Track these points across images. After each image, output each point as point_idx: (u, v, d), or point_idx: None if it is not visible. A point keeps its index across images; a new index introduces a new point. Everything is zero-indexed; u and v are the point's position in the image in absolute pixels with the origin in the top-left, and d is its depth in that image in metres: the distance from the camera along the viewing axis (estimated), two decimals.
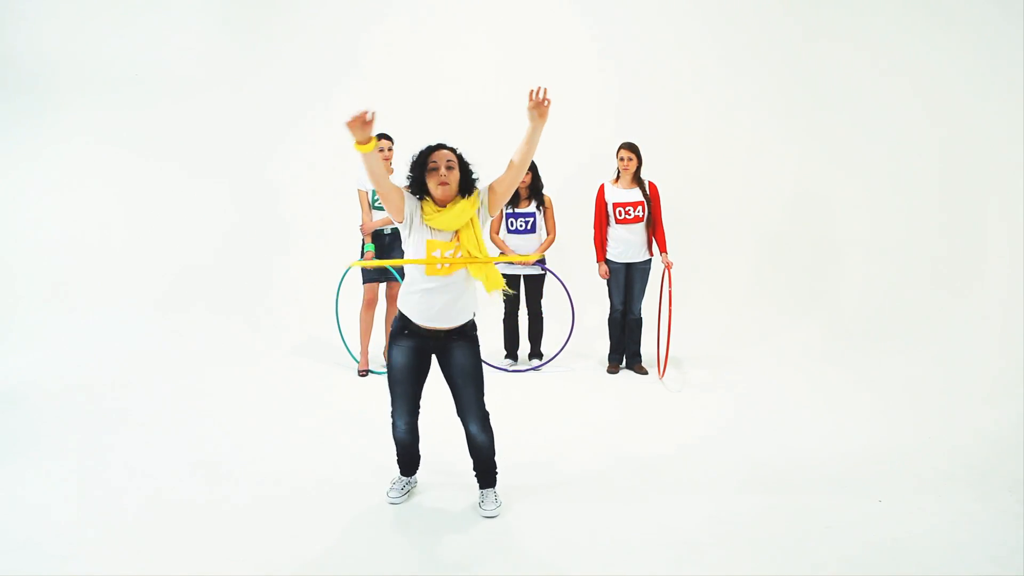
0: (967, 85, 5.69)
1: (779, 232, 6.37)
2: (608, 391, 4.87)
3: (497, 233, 5.36)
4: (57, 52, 6.53)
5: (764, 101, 6.43)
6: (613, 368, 5.27)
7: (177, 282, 6.53)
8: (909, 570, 2.60)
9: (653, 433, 4.03)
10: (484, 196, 2.90)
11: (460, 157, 2.88)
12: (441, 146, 2.87)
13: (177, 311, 6.32)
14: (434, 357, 2.97)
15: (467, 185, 2.87)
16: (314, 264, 6.59)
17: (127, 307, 6.26)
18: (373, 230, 5.11)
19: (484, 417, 2.98)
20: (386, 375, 3.03)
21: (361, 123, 2.61)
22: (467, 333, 2.94)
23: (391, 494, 3.14)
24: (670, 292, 4.92)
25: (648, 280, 5.21)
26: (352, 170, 5.48)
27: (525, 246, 5.27)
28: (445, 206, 2.82)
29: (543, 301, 5.43)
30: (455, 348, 2.90)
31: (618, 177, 5.15)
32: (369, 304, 5.18)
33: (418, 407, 3.05)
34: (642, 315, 5.23)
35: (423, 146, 2.89)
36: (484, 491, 3.09)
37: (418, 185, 2.87)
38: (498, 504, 3.05)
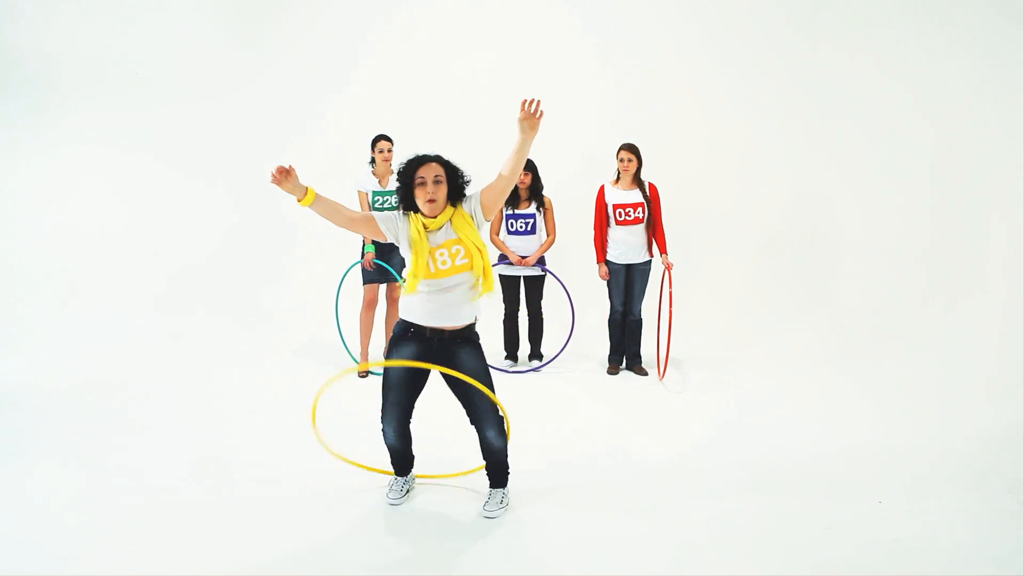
0: (966, 87, 5.69)
1: (779, 233, 6.37)
2: (608, 392, 4.87)
3: (497, 234, 5.37)
4: (58, 53, 6.54)
5: (764, 103, 6.43)
6: (613, 369, 5.27)
7: (177, 283, 6.53)
8: (909, 570, 2.60)
9: (653, 434, 4.03)
10: (475, 204, 2.87)
11: (448, 166, 2.84)
12: (426, 158, 2.81)
13: (177, 312, 6.32)
14: (436, 371, 2.93)
15: (456, 193, 2.85)
16: (314, 265, 6.59)
17: (128, 308, 6.27)
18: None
19: (499, 421, 2.96)
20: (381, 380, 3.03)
21: (284, 177, 2.67)
22: (470, 339, 2.93)
23: (391, 495, 3.14)
24: (670, 293, 4.92)
25: (648, 281, 5.21)
26: (352, 172, 5.49)
27: (525, 247, 5.28)
28: (435, 217, 2.80)
29: (543, 302, 5.43)
30: (460, 354, 2.89)
31: (618, 178, 5.15)
32: (369, 305, 5.19)
33: (409, 415, 3.03)
34: (642, 316, 5.23)
35: (410, 156, 2.86)
36: (492, 491, 3.09)
37: (407, 200, 2.85)
38: (501, 506, 3.04)
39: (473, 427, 3.00)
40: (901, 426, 4.07)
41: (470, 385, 2.86)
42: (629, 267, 5.14)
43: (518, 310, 5.45)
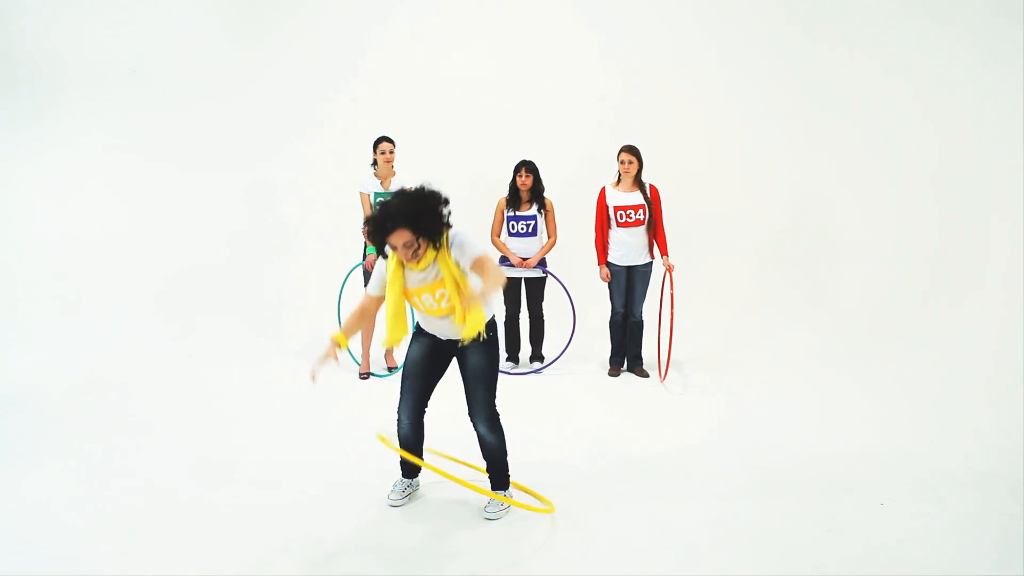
0: (967, 88, 5.70)
1: (780, 235, 6.37)
2: (609, 394, 4.87)
3: (498, 236, 5.37)
4: (58, 54, 6.55)
5: (765, 104, 6.43)
6: (614, 371, 5.27)
7: (179, 284, 6.53)
8: (910, 571, 2.60)
9: (654, 436, 4.03)
10: (464, 259, 2.76)
11: (416, 224, 2.62)
12: (391, 226, 2.61)
13: (178, 313, 6.32)
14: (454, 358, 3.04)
15: (437, 231, 2.71)
16: (316, 266, 6.60)
17: (130, 309, 6.27)
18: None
19: (493, 418, 2.99)
20: (400, 374, 3.09)
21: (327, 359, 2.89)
22: (483, 333, 2.90)
23: (392, 496, 3.14)
24: (671, 295, 4.92)
25: (649, 283, 5.21)
26: (354, 173, 5.50)
27: (526, 249, 5.28)
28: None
29: (544, 304, 5.43)
30: (472, 349, 2.94)
31: (619, 180, 5.16)
32: None
33: (425, 404, 3.08)
34: (643, 318, 5.23)
35: (375, 215, 2.67)
36: (494, 492, 3.10)
37: (383, 250, 2.80)
38: (503, 508, 3.05)
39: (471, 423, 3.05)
40: (902, 427, 4.07)
41: (468, 372, 2.97)
42: (630, 269, 5.14)
43: (519, 312, 5.46)
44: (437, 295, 2.82)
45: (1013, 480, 3.33)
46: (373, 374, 5.20)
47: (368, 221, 2.75)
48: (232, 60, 6.86)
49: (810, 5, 6.29)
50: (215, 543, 2.82)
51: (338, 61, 6.88)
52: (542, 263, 5.32)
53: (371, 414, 4.29)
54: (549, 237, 5.35)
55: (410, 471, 3.20)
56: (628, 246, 5.10)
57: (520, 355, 5.53)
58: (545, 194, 5.35)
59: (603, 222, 5.15)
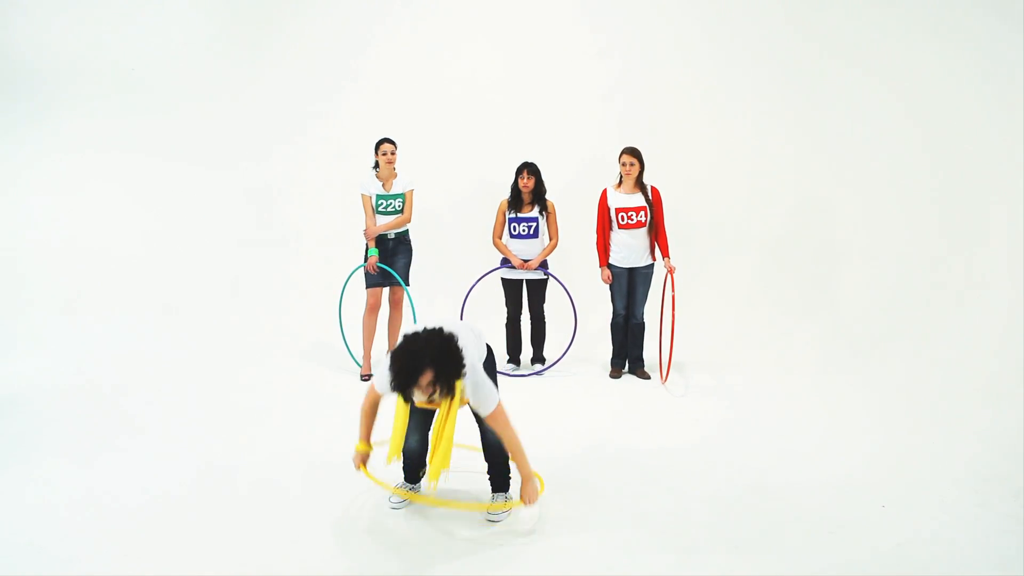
0: (968, 91, 5.69)
1: (781, 236, 6.37)
2: (610, 396, 4.87)
3: (500, 238, 5.38)
4: (58, 56, 6.57)
5: (766, 106, 6.44)
6: (615, 373, 5.27)
7: (180, 286, 6.55)
8: (912, 574, 2.59)
9: (655, 437, 4.03)
10: (481, 409, 2.79)
11: (439, 366, 2.53)
12: (415, 373, 2.51)
13: (180, 315, 6.34)
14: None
15: (451, 386, 2.62)
16: (318, 268, 6.61)
17: (131, 311, 6.28)
18: (377, 235, 5.12)
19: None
20: None
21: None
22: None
23: (393, 499, 3.14)
24: (673, 297, 4.92)
25: (651, 285, 5.21)
26: (355, 175, 5.51)
27: (528, 251, 5.28)
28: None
29: (546, 306, 5.44)
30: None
31: (620, 182, 5.16)
32: (372, 308, 5.19)
33: (431, 419, 3.00)
34: (644, 320, 5.23)
35: (403, 360, 2.54)
36: (495, 495, 3.10)
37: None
38: (505, 511, 3.05)
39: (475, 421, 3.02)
40: (904, 430, 4.07)
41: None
42: (631, 271, 5.14)
43: (520, 314, 5.46)
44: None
45: (1015, 482, 3.33)
46: (375, 376, 5.19)
47: (394, 378, 2.58)
48: (233, 61, 6.88)
49: (813, 11, 6.29)
50: (215, 546, 2.82)
51: (340, 62, 6.90)
52: (543, 265, 5.32)
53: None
54: (551, 239, 5.35)
55: (411, 477, 3.21)
56: (629, 248, 5.10)
57: (521, 357, 5.53)
58: (547, 196, 5.35)
59: (604, 224, 5.16)
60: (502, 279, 5.38)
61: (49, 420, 4.29)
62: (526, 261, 5.25)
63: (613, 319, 5.26)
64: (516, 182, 5.28)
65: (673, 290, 4.94)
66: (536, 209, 5.29)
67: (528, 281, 5.36)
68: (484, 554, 2.76)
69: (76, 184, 6.59)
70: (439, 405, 2.78)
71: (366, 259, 5.14)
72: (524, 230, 5.28)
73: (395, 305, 5.36)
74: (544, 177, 5.34)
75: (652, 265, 5.18)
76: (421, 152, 6.11)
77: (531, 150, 5.73)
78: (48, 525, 2.98)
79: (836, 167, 6.23)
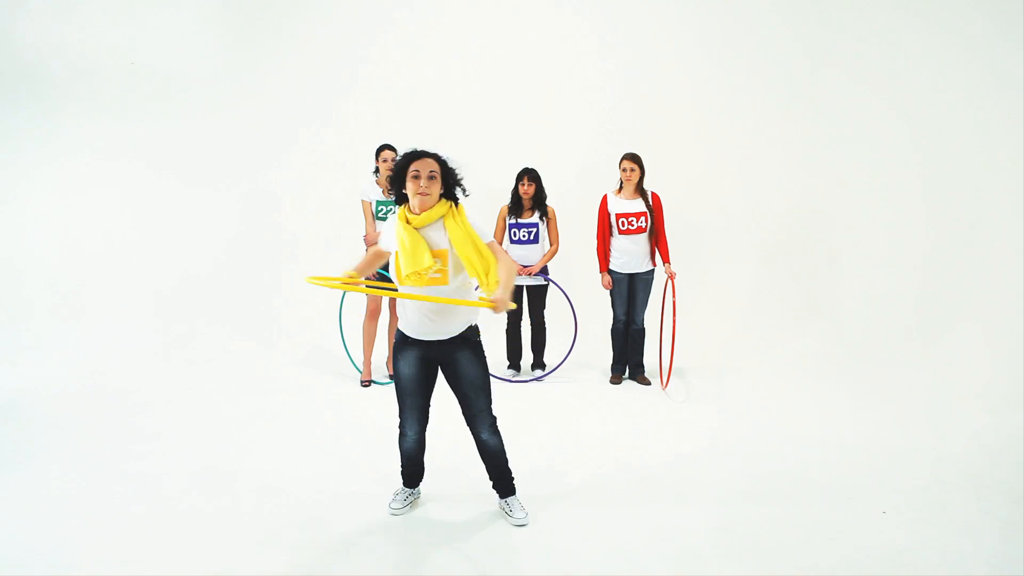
0: (965, 96, 5.69)
1: (782, 243, 6.38)
2: (611, 401, 4.86)
3: (500, 243, 5.38)
4: (60, 61, 6.59)
5: (766, 113, 6.45)
6: (616, 379, 5.27)
7: (181, 292, 6.56)
8: None
9: (656, 443, 4.02)
10: (480, 232, 2.85)
11: (444, 165, 2.86)
12: (424, 154, 2.83)
13: (180, 321, 6.34)
14: (440, 368, 2.97)
15: (449, 193, 2.87)
16: (318, 274, 6.60)
17: (132, 317, 6.29)
18: (376, 241, 5.12)
19: (493, 423, 2.99)
20: (393, 386, 3.03)
21: None
22: (469, 339, 2.92)
23: (393, 505, 3.14)
24: (673, 302, 4.92)
25: (651, 290, 5.21)
26: (356, 181, 5.52)
27: (528, 256, 5.29)
28: (421, 213, 2.81)
29: (546, 311, 5.44)
30: (460, 358, 2.89)
31: (621, 188, 5.17)
32: (372, 314, 5.20)
33: (427, 416, 3.05)
34: (645, 325, 5.23)
35: (408, 150, 2.87)
36: (507, 500, 3.09)
37: (399, 192, 2.87)
38: (525, 512, 3.04)
39: (469, 428, 3.02)
40: (904, 435, 4.06)
41: (466, 384, 2.91)
42: (632, 276, 5.15)
43: (521, 320, 5.46)
44: (436, 264, 2.78)
45: (1013, 487, 3.33)
46: (375, 382, 5.20)
47: (400, 158, 2.85)
48: (233, 68, 6.90)
49: (811, 19, 6.31)
50: (215, 551, 2.82)
51: (340, 70, 6.91)
52: (544, 271, 5.32)
53: (373, 422, 4.29)
54: (551, 245, 5.36)
55: (411, 480, 3.20)
56: (630, 254, 5.10)
57: (522, 363, 5.53)
58: (547, 202, 5.36)
59: (605, 230, 5.16)
60: None
61: (50, 425, 4.30)
62: (526, 267, 5.25)
63: (613, 325, 5.26)
64: (516, 188, 5.29)
65: (674, 296, 4.94)
66: (536, 215, 5.30)
67: (528, 287, 5.36)
68: (484, 560, 2.76)
69: (78, 190, 6.60)
70: (430, 213, 2.79)
71: None
72: (524, 236, 5.29)
73: (395, 311, 5.36)
74: (544, 183, 5.35)
75: (652, 271, 5.18)
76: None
77: (531, 156, 5.74)
78: (49, 530, 2.98)
79: (835, 173, 6.24)
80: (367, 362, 5.24)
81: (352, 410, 4.63)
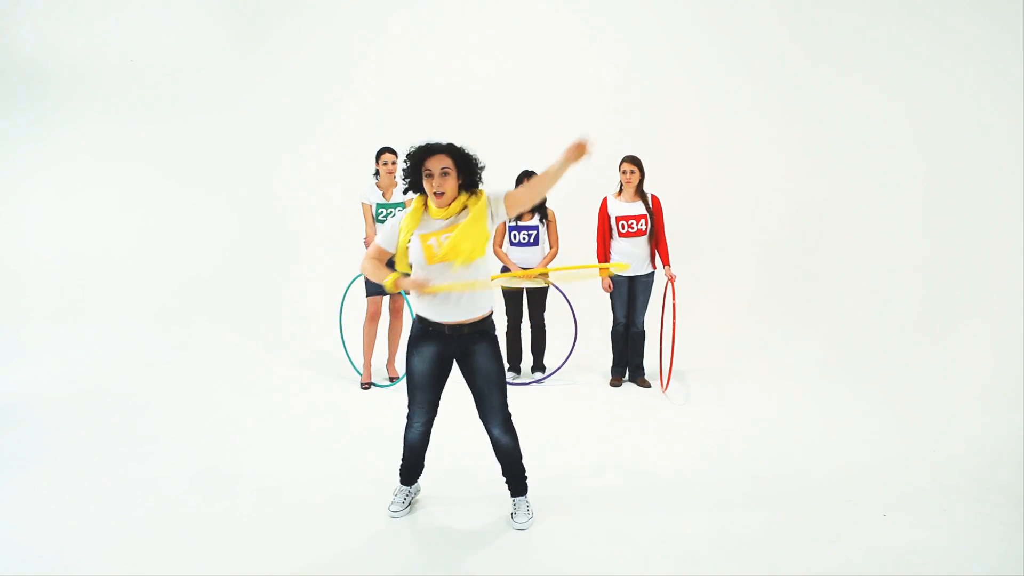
0: (966, 98, 5.70)
1: (782, 245, 6.38)
2: (611, 404, 4.86)
3: (500, 246, 5.38)
4: (61, 64, 6.60)
5: (766, 115, 6.46)
6: (616, 381, 5.26)
7: (181, 294, 6.56)
8: None
9: (656, 446, 4.02)
10: (497, 203, 2.82)
11: (458, 156, 2.76)
12: (435, 148, 2.75)
13: (181, 323, 6.35)
14: (455, 362, 2.95)
15: (470, 183, 2.81)
16: (318, 277, 6.61)
17: (133, 319, 6.29)
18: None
19: (507, 419, 2.96)
20: (405, 381, 3.03)
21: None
22: (487, 332, 2.89)
23: (392, 507, 3.13)
24: (673, 305, 4.92)
25: (651, 293, 5.21)
26: (356, 183, 5.52)
27: (528, 259, 5.29)
28: (443, 208, 2.79)
29: (546, 314, 5.43)
30: (477, 351, 2.86)
31: (621, 190, 5.17)
32: (372, 317, 5.19)
33: (436, 409, 3.04)
34: (645, 328, 5.23)
35: (421, 143, 2.78)
36: (516, 500, 3.07)
37: (414, 184, 2.83)
38: (530, 516, 3.03)
39: (483, 424, 3.00)
40: (905, 438, 4.06)
41: (481, 378, 2.88)
42: (632, 279, 5.14)
43: (521, 322, 5.46)
44: (447, 234, 2.74)
45: (1014, 490, 3.32)
46: (375, 384, 5.19)
47: (413, 151, 2.77)
48: (234, 71, 6.91)
49: (812, 20, 6.32)
50: (216, 554, 2.81)
51: (339, 73, 6.93)
52: (544, 273, 5.32)
53: (373, 424, 4.29)
54: (551, 247, 5.36)
55: (409, 477, 3.19)
56: (630, 256, 5.10)
57: (522, 365, 5.53)
58: (547, 204, 5.36)
59: (605, 232, 5.16)
60: (502, 287, 5.38)
61: (50, 428, 4.30)
62: (526, 269, 5.25)
63: (613, 327, 5.26)
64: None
65: (674, 298, 4.94)
66: (536, 217, 5.30)
67: (529, 290, 5.36)
68: (484, 562, 2.75)
69: (77, 192, 6.62)
70: (451, 206, 2.75)
71: None
72: (524, 238, 5.29)
73: (395, 314, 5.35)
74: None
75: (652, 273, 5.18)
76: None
77: (531, 159, 5.73)
78: (49, 532, 2.98)
79: (836, 176, 6.24)
80: (367, 365, 5.24)
81: (352, 413, 4.63)
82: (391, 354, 5.38)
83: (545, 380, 5.37)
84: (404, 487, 3.19)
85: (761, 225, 6.46)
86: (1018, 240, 5.29)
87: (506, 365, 5.46)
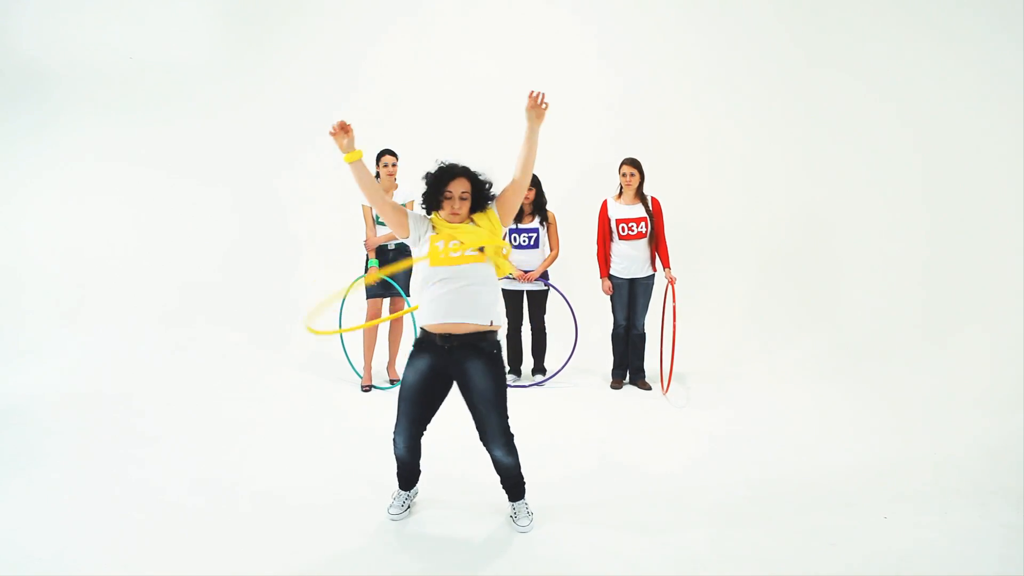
0: (966, 99, 5.69)
1: (782, 248, 6.38)
2: (611, 407, 4.86)
3: None
4: (62, 65, 6.62)
5: (767, 118, 6.46)
6: (616, 383, 5.26)
7: (181, 296, 6.57)
8: None
9: (656, 448, 4.02)
10: (496, 197, 2.96)
11: (475, 182, 2.88)
12: (458, 172, 2.86)
13: (181, 325, 6.35)
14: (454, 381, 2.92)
15: (479, 206, 2.91)
16: (318, 279, 6.61)
17: (133, 321, 6.30)
18: (377, 246, 5.13)
19: (509, 441, 2.91)
20: (397, 390, 3.02)
21: (341, 131, 2.78)
22: (486, 350, 2.83)
23: (392, 510, 3.13)
24: (674, 307, 4.92)
25: (651, 295, 5.21)
26: (355, 186, 5.51)
27: (529, 261, 5.29)
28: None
29: (546, 317, 5.43)
30: (474, 371, 2.81)
31: (621, 193, 5.17)
32: (372, 319, 5.19)
33: (422, 429, 3.00)
34: (645, 330, 5.23)
35: (442, 164, 2.89)
36: (515, 504, 3.06)
37: (432, 204, 2.91)
38: (531, 518, 3.03)
39: (482, 444, 2.97)
40: (905, 440, 4.05)
41: (477, 397, 2.84)
42: (632, 281, 5.15)
43: (521, 325, 5.46)
44: (456, 240, 2.82)
45: (1014, 492, 3.31)
46: (375, 387, 5.19)
47: (433, 172, 2.89)
48: (236, 73, 6.92)
49: (812, 23, 6.32)
50: (215, 555, 2.81)
51: (341, 75, 6.94)
52: (544, 276, 5.32)
53: (373, 427, 4.28)
54: (551, 250, 5.36)
55: (406, 483, 3.19)
56: (630, 259, 5.10)
57: (522, 368, 5.53)
58: (548, 207, 5.36)
59: (605, 235, 5.16)
60: (503, 290, 5.38)
61: (50, 430, 4.30)
62: (527, 272, 5.25)
63: (614, 330, 5.26)
64: None
65: (674, 301, 4.94)
66: (537, 220, 5.31)
67: (529, 292, 5.36)
68: (484, 566, 2.75)
69: (78, 194, 6.63)
70: (460, 216, 2.86)
71: (366, 270, 5.15)
72: (525, 241, 5.29)
73: (395, 319, 5.35)
74: (545, 188, 5.35)
75: (653, 276, 5.18)
76: (421, 163, 6.12)
77: None
78: (48, 534, 2.97)
79: (836, 178, 6.24)
80: (367, 367, 5.24)
81: (352, 415, 4.63)
82: (391, 356, 5.38)
83: (546, 383, 5.37)
84: (401, 492, 3.19)
85: (761, 227, 6.45)
86: (1018, 242, 5.28)
87: (506, 368, 5.46)
